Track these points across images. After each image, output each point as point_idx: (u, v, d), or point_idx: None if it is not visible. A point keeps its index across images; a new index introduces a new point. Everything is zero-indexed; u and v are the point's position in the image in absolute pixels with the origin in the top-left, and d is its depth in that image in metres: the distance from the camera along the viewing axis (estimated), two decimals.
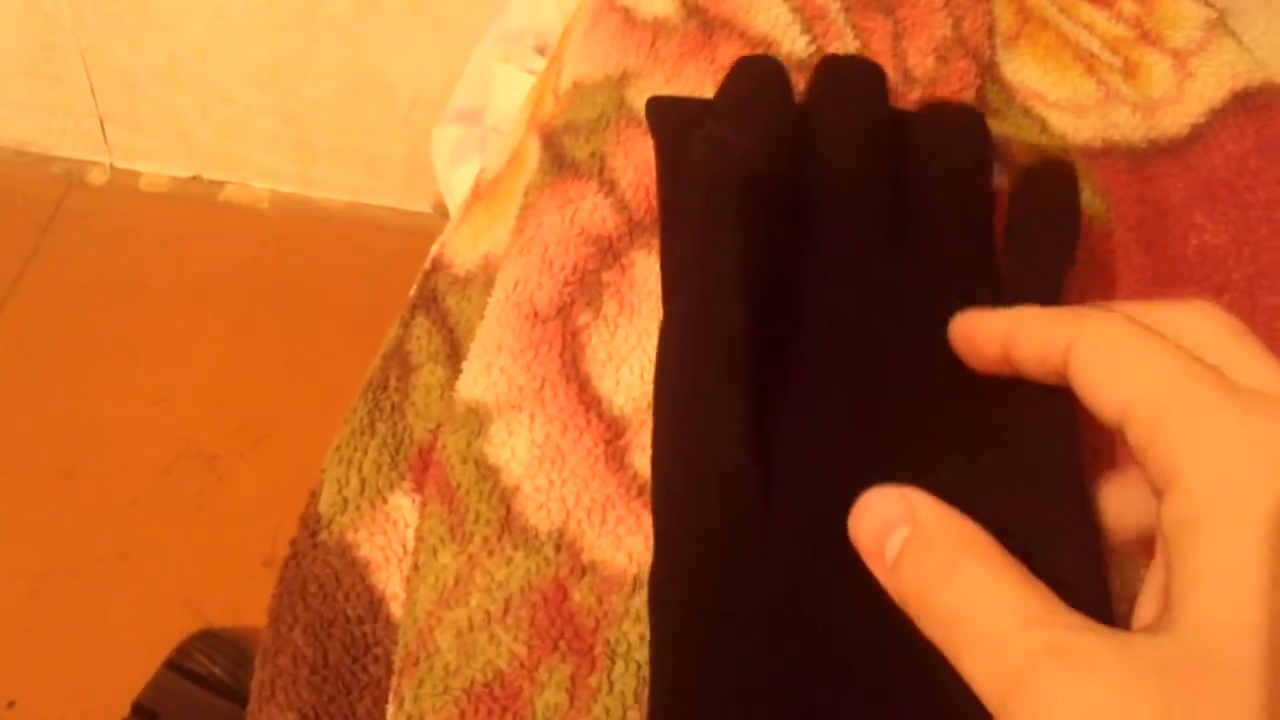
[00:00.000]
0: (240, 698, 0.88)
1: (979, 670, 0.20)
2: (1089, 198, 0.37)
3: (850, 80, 0.33)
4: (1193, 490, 0.20)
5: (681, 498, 0.25)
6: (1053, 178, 0.32)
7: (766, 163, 0.29)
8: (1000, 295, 0.28)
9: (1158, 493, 0.21)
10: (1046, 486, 0.26)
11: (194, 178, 1.31)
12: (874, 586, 0.23)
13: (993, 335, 0.26)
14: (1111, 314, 0.23)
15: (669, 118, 0.34)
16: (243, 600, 0.96)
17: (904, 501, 0.23)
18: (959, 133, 0.33)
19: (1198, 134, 0.40)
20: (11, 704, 0.93)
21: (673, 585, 0.24)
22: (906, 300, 0.30)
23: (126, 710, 0.87)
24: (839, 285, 0.30)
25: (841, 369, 0.28)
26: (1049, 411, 0.27)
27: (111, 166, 1.32)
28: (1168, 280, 0.36)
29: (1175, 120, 0.40)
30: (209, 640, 0.92)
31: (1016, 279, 0.31)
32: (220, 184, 1.31)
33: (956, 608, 0.21)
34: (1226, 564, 0.19)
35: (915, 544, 0.22)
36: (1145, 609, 0.23)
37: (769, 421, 0.26)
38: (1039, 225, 0.32)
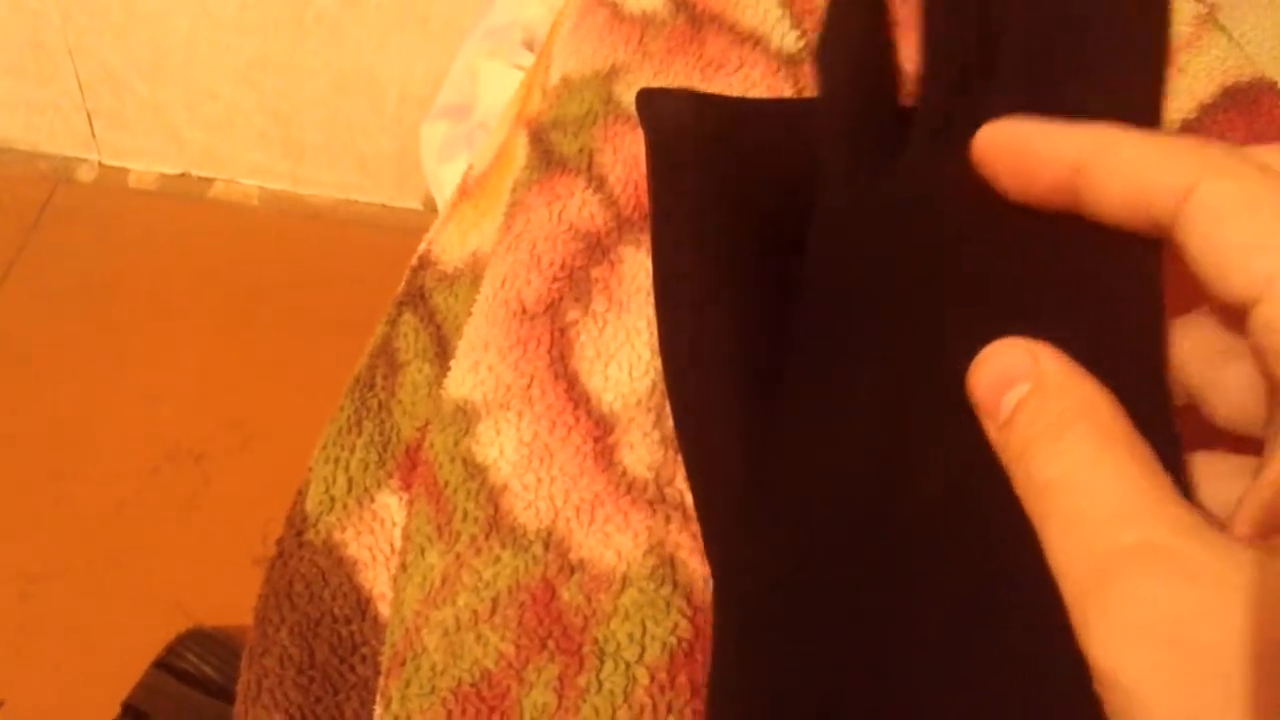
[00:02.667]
0: (231, 697, 0.87)
1: (1064, 556, 0.18)
2: None
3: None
4: None
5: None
6: None
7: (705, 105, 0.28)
8: None
9: (1272, 394, 0.18)
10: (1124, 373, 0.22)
11: (182, 175, 1.31)
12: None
13: (1061, 155, 0.21)
14: (1238, 160, 0.19)
15: (660, 110, 0.34)
16: (232, 600, 0.95)
17: (1029, 355, 0.20)
18: None
19: (1188, 129, 0.40)
20: (1, 704, 0.92)
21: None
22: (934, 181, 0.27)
23: (117, 710, 0.87)
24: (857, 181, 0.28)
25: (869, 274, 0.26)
26: (1131, 284, 0.22)
27: (100, 164, 1.31)
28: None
29: (1165, 115, 0.40)
30: (199, 639, 0.91)
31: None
32: (209, 181, 1.30)
33: (1057, 478, 0.19)
34: None
35: (1032, 400, 0.20)
36: (1244, 525, 0.19)
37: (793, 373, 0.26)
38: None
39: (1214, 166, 0.19)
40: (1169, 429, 0.20)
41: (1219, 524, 0.18)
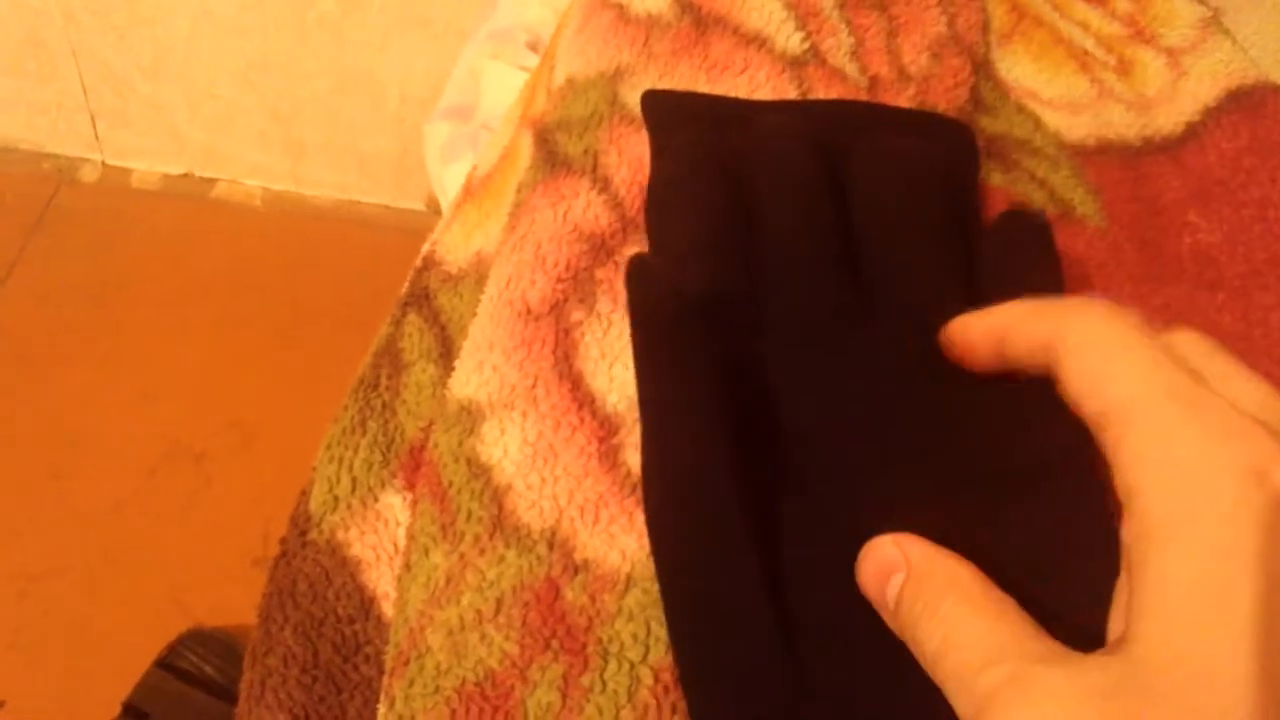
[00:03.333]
0: (231, 696, 0.87)
1: (955, 704, 0.22)
2: (1082, 196, 0.37)
3: (778, 155, 0.32)
4: (1149, 509, 0.21)
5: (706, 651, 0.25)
6: (1024, 229, 0.32)
7: (698, 269, 0.29)
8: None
9: (1123, 504, 0.22)
10: (1063, 506, 0.27)
11: (185, 175, 1.31)
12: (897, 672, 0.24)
13: (988, 331, 0.26)
14: (1101, 306, 0.23)
15: (665, 111, 0.34)
16: (232, 599, 0.96)
17: (897, 548, 0.24)
18: (897, 163, 0.33)
19: (1192, 132, 0.40)
20: (2, 704, 0.92)
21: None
22: (878, 353, 0.29)
23: (117, 710, 0.87)
24: (809, 355, 0.29)
25: (830, 442, 0.28)
26: (1051, 430, 0.26)
27: (103, 164, 1.31)
28: (1161, 279, 0.36)
29: (1169, 118, 0.40)
30: (199, 639, 0.91)
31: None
32: (211, 181, 1.30)
33: (939, 645, 0.22)
34: (1173, 589, 0.20)
35: (909, 586, 0.24)
36: (1115, 623, 0.23)
37: (771, 512, 0.27)
38: (1017, 269, 0.31)
39: (1073, 319, 0.23)
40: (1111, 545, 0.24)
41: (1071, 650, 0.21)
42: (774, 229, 0.30)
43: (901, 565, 0.24)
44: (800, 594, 0.26)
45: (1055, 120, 0.39)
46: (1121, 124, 0.40)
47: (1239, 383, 0.23)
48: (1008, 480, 0.27)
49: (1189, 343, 0.24)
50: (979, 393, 0.28)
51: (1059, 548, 0.26)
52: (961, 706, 0.21)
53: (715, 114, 0.34)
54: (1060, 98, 0.40)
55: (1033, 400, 0.26)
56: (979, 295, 0.28)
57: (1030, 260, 0.31)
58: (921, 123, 0.36)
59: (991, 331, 0.26)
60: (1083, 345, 0.23)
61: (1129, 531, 0.21)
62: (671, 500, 0.26)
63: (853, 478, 0.28)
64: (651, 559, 0.27)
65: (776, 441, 0.28)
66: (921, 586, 0.23)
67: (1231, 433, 0.21)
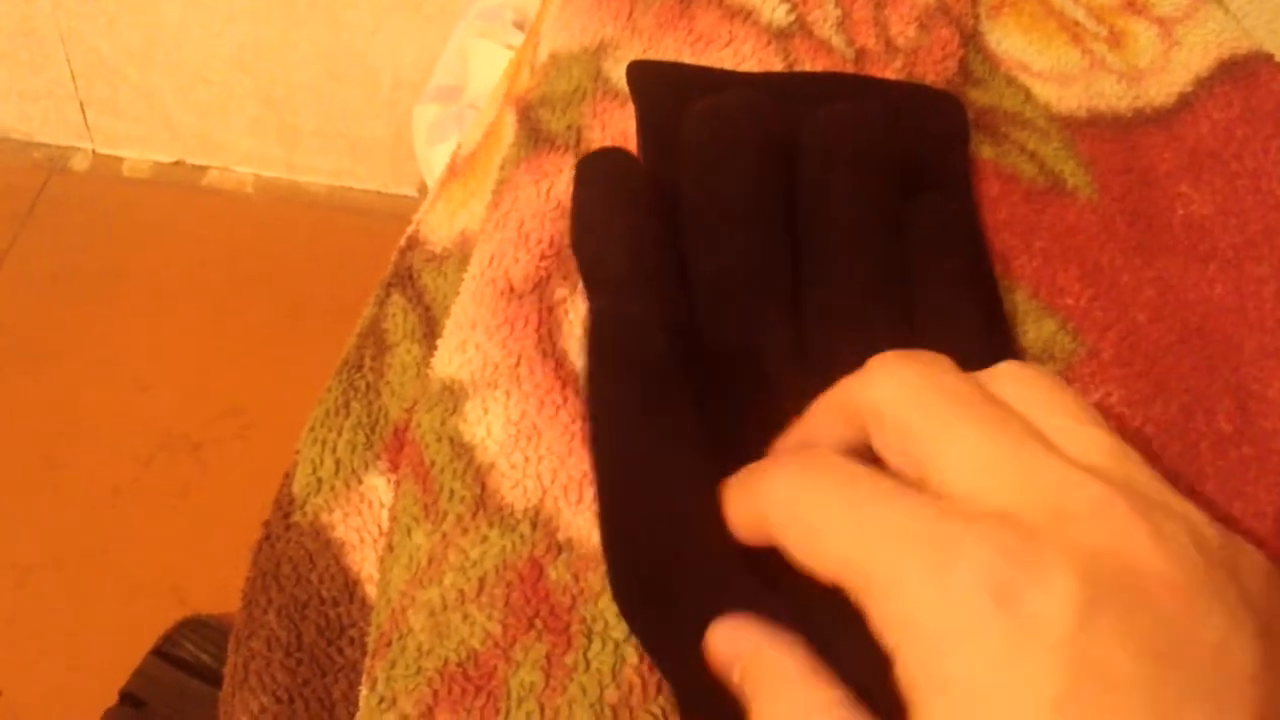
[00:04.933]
0: None
1: None
2: (1073, 168, 0.37)
3: (714, 146, 0.31)
4: (906, 676, 0.20)
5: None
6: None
7: (643, 296, 0.28)
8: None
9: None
10: None
11: (177, 163, 1.30)
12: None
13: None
14: (789, 467, 0.23)
15: (651, 83, 0.33)
16: (228, 588, 0.94)
17: (734, 636, 0.23)
18: (838, 150, 0.31)
19: (1184, 103, 0.39)
20: None
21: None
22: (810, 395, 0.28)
23: (114, 698, 0.87)
24: (742, 395, 0.28)
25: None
26: None
27: (94, 152, 1.30)
28: (1153, 251, 0.36)
29: (1161, 89, 0.40)
30: (196, 628, 0.91)
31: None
32: (203, 169, 1.30)
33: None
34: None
35: (746, 680, 0.23)
36: None
37: None
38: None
39: (763, 498, 0.23)
40: None
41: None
42: (708, 242, 0.29)
43: (737, 658, 0.23)
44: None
45: (1046, 92, 0.39)
46: (1113, 95, 0.39)
47: (950, 449, 0.21)
48: None
49: (1012, 381, 0.23)
50: None
51: None
52: None
53: (701, 85, 0.33)
54: (1051, 69, 0.40)
55: None
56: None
57: (949, 248, 0.31)
58: (909, 95, 0.35)
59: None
60: (789, 513, 0.22)
61: (899, 681, 0.20)
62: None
63: None
64: None
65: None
66: (756, 683, 0.22)
67: (955, 557, 0.19)
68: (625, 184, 0.30)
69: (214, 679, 0.88)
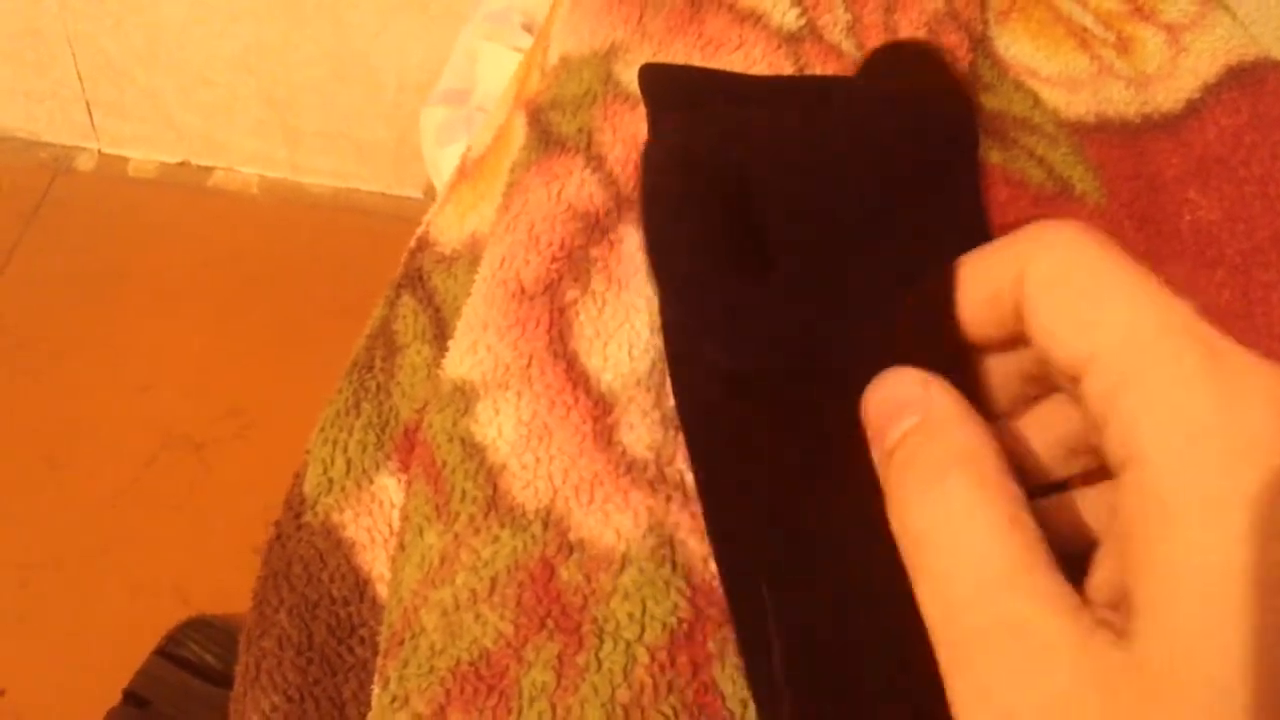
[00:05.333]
0: (232, 684, 0.88)
1: (932, 620, 0.18)
2: (1082, 173, 0.37)
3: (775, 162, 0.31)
4: (1161, 480, 0.17)
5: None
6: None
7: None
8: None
9: (1114, 466, 0.18)
10: None
11: (182, 163, 1.30)
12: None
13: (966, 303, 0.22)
14: (1070, 229, 0.19)
15: (662, 86, 0.34)
16: (232, 588, 0.95)
17: (923, 388, 0.20)
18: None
19: (1192, 109, 0.39)
20: (2, 693, 0.92)
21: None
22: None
23: (118, 698, 0.87)
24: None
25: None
26: None
27: (99, 152, 1.30)
28: (1161, 256, 0.36)
29: (1169, 95, 0.40)
30: (200, 628, 0.91)
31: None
32: (208, 170, 1.30)
33: (928, 532, 0.19)
34: (1197, 576, 0.16)
35: (916, 437, 0.20)
36: (1102, 590, 0.20)
37: None
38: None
39: (1041, 247, 0.19)
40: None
41: (1076, 590, 0.18)
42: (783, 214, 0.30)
43: (920, 408, 0.20)
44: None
45: (1054, 97, 0.39)
46: (1121, 101, 0.39)
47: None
48: None
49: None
50: None
51: None
52: (936, 625, 0.18)
53: (713, 88, 0.33)
54: (1059, 75, 0.40)
55: None
56: None
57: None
58: (917, 99, 0.35)
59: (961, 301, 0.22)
60: (1056, 273, 0.19)
61: (1129, 503, 0.17)
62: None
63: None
64: (648, 537, 0.27)
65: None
66: (932, 441, 0.19)
67: (1261, 386, 0.17)
68: (694, 168, 0.31)
69: (217, 679, 0.89)
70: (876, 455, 0.21)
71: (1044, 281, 0.19)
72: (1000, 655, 0.17)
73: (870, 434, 0.21)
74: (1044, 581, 0.18)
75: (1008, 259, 0.20)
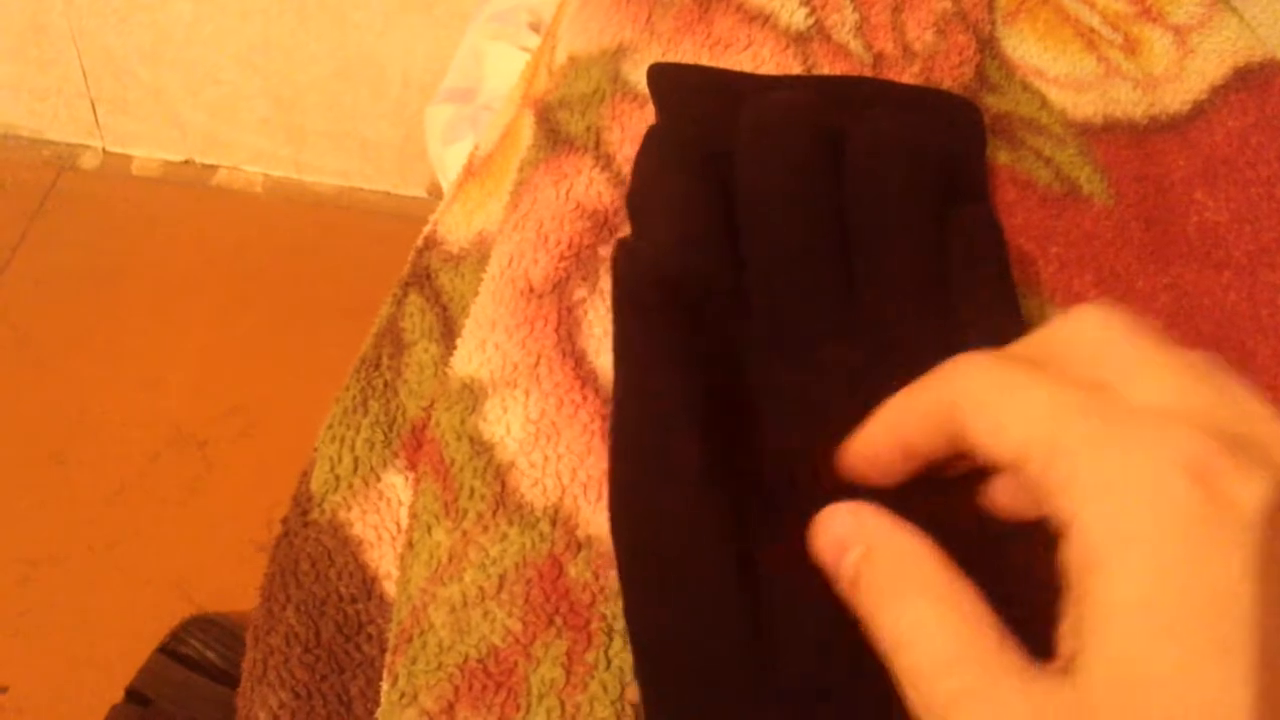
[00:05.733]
0: (234, 682, 0.87)
1: (912, 704, 0.21)
2: (1089, 174, 0.37)
3: (776, 138, 0.32)
4: (1087, 535, 0.20)
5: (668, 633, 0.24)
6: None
7: (682, 261, 0.28)
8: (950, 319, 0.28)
9: (1059, 532, 0.21)
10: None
11: (186, 162, 1.30)
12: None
13: (884, 441, 0.25)
14: (983, 359, 0.23)
15: (671, 85, 0.34)
16: (235, 585, 0.96)
17: (856, 520, 0.23)
18: (894, 145, 0.32)
19: (1199, 110, 0.39)
20: (4, 689, 0.92)
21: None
22: (859, 372, 0.29)
23: (120, 695, 0.87)
24: (790, 369, 0.29)
25: (793, 442, 0.28)
26: None
27: (104, 150, 1.31)
28: (1168, 257, 0.36)
29: (1176, 97, 0.40)
30: (202, 625, 0.91)
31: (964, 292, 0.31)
32: (212, 168, 1.30)
33: (897, 639, 0.22)
34: (1119, 613, 0.19)
35: (867, 567, 0.23)
36: (1065, 641, 0.22)
37: (736, 503, 0.26)
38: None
39: (958, 382, 0.23)
40: None
41: (1030, 659, 0.21)
42: (764, 220, 0.30)
43: (859, 539, 0.23)
44: (764, 588, 0.25)
45: (1061, 98, 0.39)
46: (1128, 102, 0.39)
47: (1149, 372, 0.22)
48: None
49: (1084, 332, 0.23)
50: None
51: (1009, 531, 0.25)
52: (916, 708, 0.21)
53: (721, 87, 0.34)
54: (1066, 76, 0.40)
55: None
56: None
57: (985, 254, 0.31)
58: (928, 99, 0.35)
59: (889, 437, 0.25)
60: (978, 401, 0.22)
61: (1067, 560, 0.20)
62: (638, 483, 0.25)
63: (814, 475, 0.27)
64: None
65: (743, 438, 0.27)
66: (879, 570, 0.22)
67: (1154, 437, 0.20)
68: (681, 150, 0.31)
69: (220, 676, 0.89)
70: (838, 588, 0.24)
71: (972, 408, 0.22)
72: (966, 715, 0.20)
73: (829, 573, 0.24)
74: (994, 655, 0.21)
75: (938, 392, 0.23)
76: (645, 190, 0.31)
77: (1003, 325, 0.30)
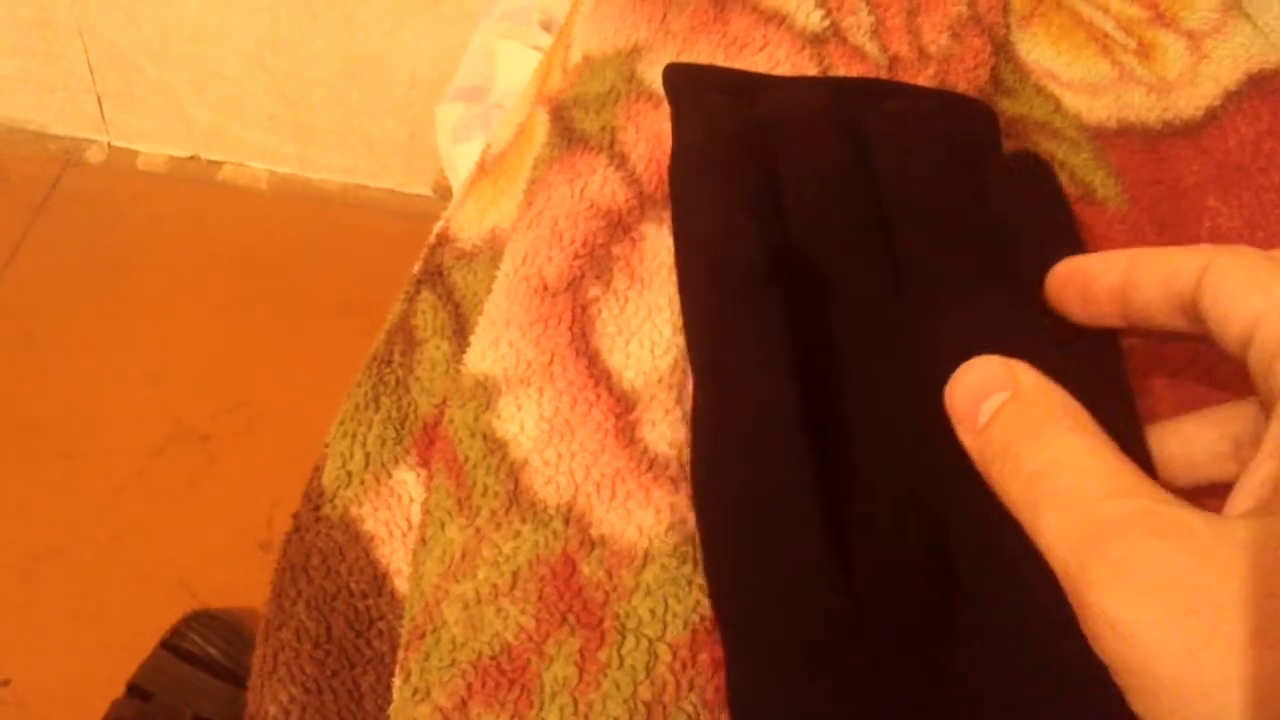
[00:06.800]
0: (235, 678, 0.88)
1: (1057, 525, 0.20)
2: (1103, 179, 0.37)
3: (802, 125, 0.32)
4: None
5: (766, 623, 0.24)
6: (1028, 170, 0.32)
7: (750, 234, 0.28)
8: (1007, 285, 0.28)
9: (1268, 406, 0.21)
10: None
11: (192, 157, 1.30)
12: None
13: (1111, 269, 0.25)
14: (1240, 247, 0.23)
15: (687, 85, 0.34)
16: (237, 581, 0.96)
17: (1006, 368, 0.23)
18: (916, 122, 0.32)
19: (1212, 116, 0.39)
20: (6, 683, 0.92)
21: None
22: (915, 335, 0.29)
23: (121, 690, 0.87)
24: (852, 337, 0.29)
25: (872, 427, 0.27)
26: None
27: (109, 145, 1.31)
28: None
29: (1190, 102, 0.40)
30: (204, 620, 0.91)
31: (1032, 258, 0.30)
32: (218, 164, 1.30)
33: (1044, 466, 0.21)
34: None
35: (1012, 406, 0.22)
36: (1240, 503, 0.21)
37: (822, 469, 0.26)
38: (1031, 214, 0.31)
39: (1220, 251, 0.23)
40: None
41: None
42: (802, 199, 0.30)
43: (1008, 385, 0.22)
44: (850, 547, 0.25)
45: (1075, 102, 0.39)
46: (1142, 107, 0.39)
47: None
48: None
49: None
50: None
51: None
52: (1065, 528, 0.20)
53: (737, 88, 0.34)
54: (1080, 80, 0.40)
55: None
56: (1002, 259, 0.28)
57: (1042, 204, 0.31)
58: (941, 102, 0.35)
59: (1117, 267, 0.25)
60: (1226, 269, 0.23)
61: (1275, 419, 0.20)
62: (741, 454, 0.25)
63: (894, 438, 0.27)
64: (670, 534, 0.27)
65: (823, 405, 0.27)
66: (1027, 407, 0.22)
67: None
68: (732, 126, 0.31)
69: (221, 672, 0.89)
70: (966, 438, 0.23)
71: (1222, 271, 0.23)
72: (1142, 533, 0.19)
73: (957, 419, 0.23)
74: (1168, 495, 0.20)
75: (1193, 256, 0.23)
76: (694, 159, 0.31)
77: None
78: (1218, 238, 0.37)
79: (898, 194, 0.31)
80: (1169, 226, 0.36)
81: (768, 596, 0.23)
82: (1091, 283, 0.26)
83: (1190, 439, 0.26)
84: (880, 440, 0.27)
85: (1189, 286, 0.23)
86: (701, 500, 0.26)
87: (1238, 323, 0.22)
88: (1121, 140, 0.38)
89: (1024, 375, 0.23)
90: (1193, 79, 0.40)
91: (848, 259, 0.30)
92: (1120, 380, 0.27)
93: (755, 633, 0.24)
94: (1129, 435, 0.26)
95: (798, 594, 0.23)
